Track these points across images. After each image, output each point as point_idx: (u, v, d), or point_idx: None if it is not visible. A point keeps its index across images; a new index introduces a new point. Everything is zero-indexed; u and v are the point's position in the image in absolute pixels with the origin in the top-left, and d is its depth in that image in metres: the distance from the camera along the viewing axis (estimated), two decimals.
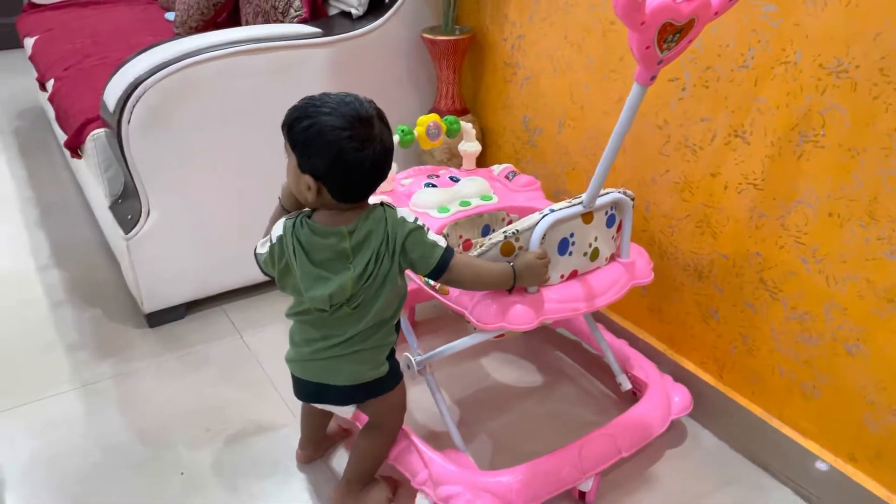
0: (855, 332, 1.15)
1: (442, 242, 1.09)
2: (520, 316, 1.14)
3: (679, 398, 1.41)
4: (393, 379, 1.18)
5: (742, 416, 1.37)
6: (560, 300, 1.18)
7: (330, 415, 1.33)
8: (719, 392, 1.40)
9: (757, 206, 1.25)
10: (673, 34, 0.98)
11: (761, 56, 1.18)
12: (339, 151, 0.99)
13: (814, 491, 1.27)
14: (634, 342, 1.55)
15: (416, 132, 1.47)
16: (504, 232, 1.14)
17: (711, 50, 1.25)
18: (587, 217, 1.20)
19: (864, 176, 1.08)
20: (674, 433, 1.43)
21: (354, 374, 1.13)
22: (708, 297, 1.39)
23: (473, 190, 1.48)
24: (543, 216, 1.15)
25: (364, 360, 1.13)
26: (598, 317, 1.64)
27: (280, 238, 1.08)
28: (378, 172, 1.05)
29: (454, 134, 1.53)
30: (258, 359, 1.65)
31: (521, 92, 1.75)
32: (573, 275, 1.23)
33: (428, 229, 1.09)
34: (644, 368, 1.45)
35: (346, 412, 1.21)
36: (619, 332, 1.59)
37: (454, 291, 1.20)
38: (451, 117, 1.52)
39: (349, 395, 1.16)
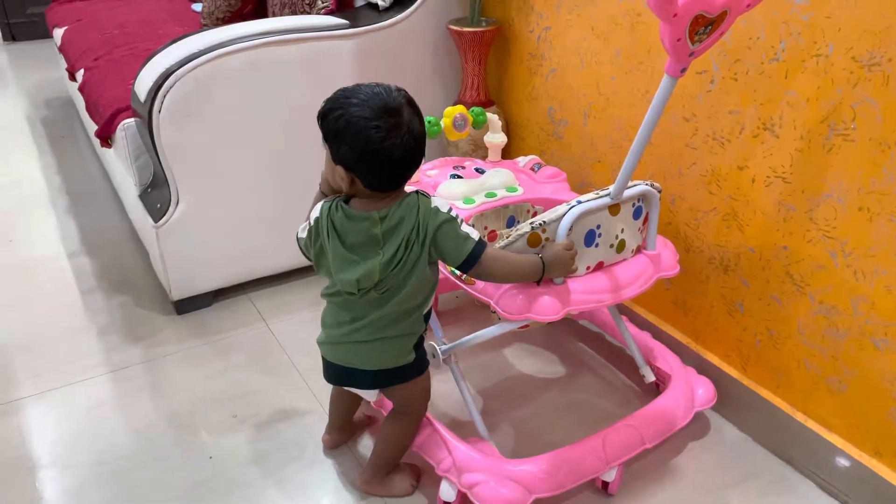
0: (882, 326, 1.15)
1: (475, 235, 1.09)
2: (546, 307, 1.14)
3: (703, 390, 1.41)
4: (419, 367, 1.20)
5: (766, 410, 1.37)
6: (586, 291, 1.19)
7: (358, 402, 1.35)
8: (743, 385, 1.40)
9: (785, 199, 1.25)
10: (705, 26, 0.98)
11: (792, 49, 1.17)
12: (366, 141, 1.01)
13: (838, 485, 1.27)
14: (658, 335, 1.56)
15: (442, 123, 1.48)
16: (531, 223, 1.15)
17: (741, 42, 1.25)
18: (614, 209, 1.21)
19: (895, 170, 1.08)
20: (697, 425, 1.43)
21: (381, 360, 1.15)
22: (733, 291, 1.39)
23: (499, 181, 1.48)
24: (571, 207, 1.15)
25: (391, 347, 1.15)
26: (622, 309, 1.64)
27: (317, 220, 1.11)
28: (409, 161, 1.06)
29: (480, 125, 1.54)
30: (283, 346, 1.67)
31: (546, 84, 1.75)
32: (599, 266, 1.24)
33: (462, 221, 1.09)
34: (667, 360, 1.46)
35: (370, 396, 1.23)
36: (642, 324, 1.60)
37: (480, 282, 1.20)
38: (477, 108, 1.53)
39: (374, 379, 1.18)
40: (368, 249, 1.08)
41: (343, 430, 1.39)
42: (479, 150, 1.86)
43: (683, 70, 1.04)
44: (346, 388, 1.26)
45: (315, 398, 1.50)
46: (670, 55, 1.02)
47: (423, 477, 1.32)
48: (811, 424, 1.30)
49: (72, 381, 1.58)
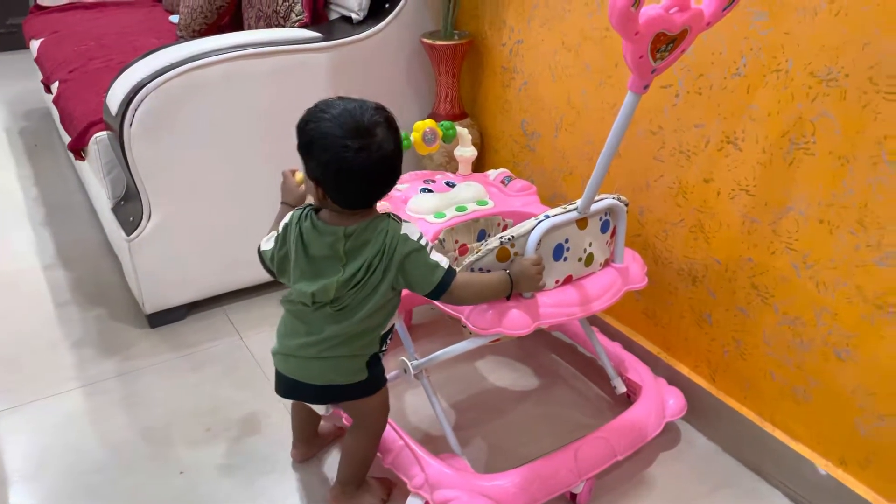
0: (845, 337, 1.17)
1: (444, 263, 1.08)
2: (516, 321, 1.15)
3: (673, 401, 1.42)
4: (372, 385, 1.17)
5: (735, 420, 1.38)
6: (555, 305, 1.20)
7: (318, 414, 1.35)
8: (712, 396, 1.42)
9: (749, 212, 1.26)
10: (666, 44, 0.99)
11: (753, 64, 1.19)
12: (333, 159, 1.01)
13: (805, 495, 1.28)
14: (629, 346, 1.57)
15: (412, 138, 1.49)
16: (500, 238, 1.16)
17: (705, 58, 1.27)
18: (582, 223, 1.22)
19: (853, 183, 1.10)
20: (667, 436, 1.44)
21: (330, 377, 1.14)
22: (701, 302, 1.41)
23: (469, 195, 1.49)
24: (539, 222, 1.16)
25: (342, 365, 1.13)
26: (593, 320, 1.65)
27: (286, 226, 1.11)
28: (377, 181, 1.06)
29: (450, 139, 1.55)
30: (257, 359, 1.67)
31: (519, 96, 1.77)
32: (568, 280, 1.24)
33: (431, 249, 1.08)
34: (638, 371, 1.47)
35: (320, 409, 1.22)
36: (614, 335, 1.61)
37: None
38: (446, 123, 1.54)
39: (323, 394, 1.17)
40: (330, 264, 1.07)
41: (309, 442, 1.39)
42: (454, 162, 1.87)
43: (646, 87, 1.05)
44: (302, 405, 1.27)
45: (287, 411, 1.50)
46: (633, 72, 1.03)
47: (395, 491, 1.32)
48: (778, 434, 1.31)
49: (45, 394, 1.57)
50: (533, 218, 1.18)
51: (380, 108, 1.05)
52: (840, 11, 1.05)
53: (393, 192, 1.50)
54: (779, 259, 1.23)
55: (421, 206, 1.44)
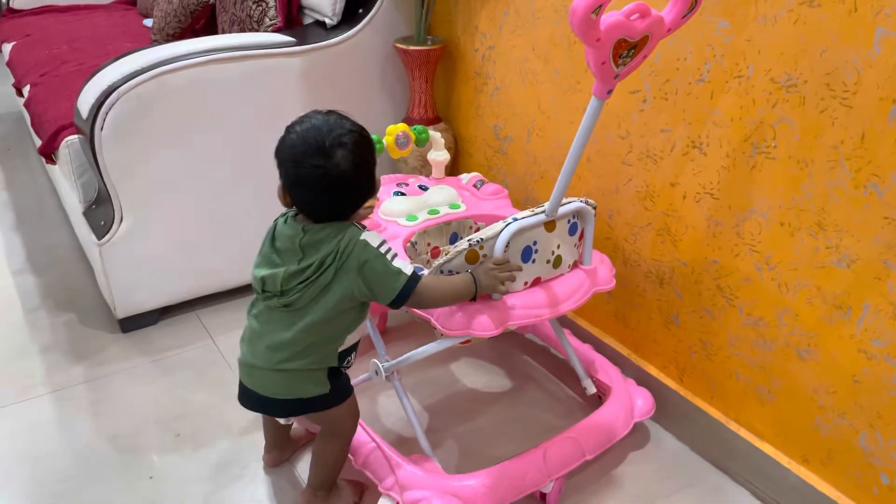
0: (806, 337, 1.19)
1: (407, 269, 1.09)
2: (484, 323, 1.16)
3: (642, 401, 1.44)
4: (337, 397, 1.17)
5: (702, 420, 1.40)
6: (523, 307, 1.21)
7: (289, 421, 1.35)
8: (680, 396, 1.44)
9: (713, 215, 1.29)
10: (628, 50, 1.01)
11: (716, 70, 1.22)
12: (290, 170, 1.06)
13: (770, 493, 1.30)
14: (600, 347, 1.59)
15: (384, 142, 1.50)
16: (469, 240, 1.17)
17: (670, 64, 1.29)
18: (550, 225, 1.23)
19: (812, 187, 1.12)
20: (637, 436, 1.46)
21: (291, 391, 1.13)
22: (669, 304, 1.43)
23: (442, 198, 1.50)
24: (507, 225, 1.18)
25: (301, 379, 1.13)
26: (565, 322, 1.67)
27: (275, 221, 1.15)
28: (334, 197, 1.07)
29: (423, 143, 1.56)
30: (230, 363, 1.67)
31: (491, 101, 1.78)
32: (536, 282, 1.26)
33: (394, 256, 1.09)
34: (608, 372, 1.49)
35: (282, 419, 1.23)
36: (585, 337, 1.62)
37: None
38: (419, 127, 1.55)
39: (287, 408, 1.17)
40: (288, 257, 1.09)
41: (282, 447, 1.39)
42: (428, 167, 1.88)
43: (609, 92, 1.07)
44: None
45: (260, 415, 1.50)
46: (596, 78, 1.05)
47: (366, 493, 1.32)
48: (744, 434, 1.34)
49: (12, 401, 1.55)
50: (501, 220, 1.19)
51: (352, 131, 1.06)
52: (798, 19, 1.08)
53: None
54: (742, 261, 1.26)
55: (393, 209, 1.45)
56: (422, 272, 1.14)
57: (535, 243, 1.22)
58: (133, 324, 1.77)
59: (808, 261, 1.15)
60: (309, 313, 1.09)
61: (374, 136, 1.47)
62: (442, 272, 1.18)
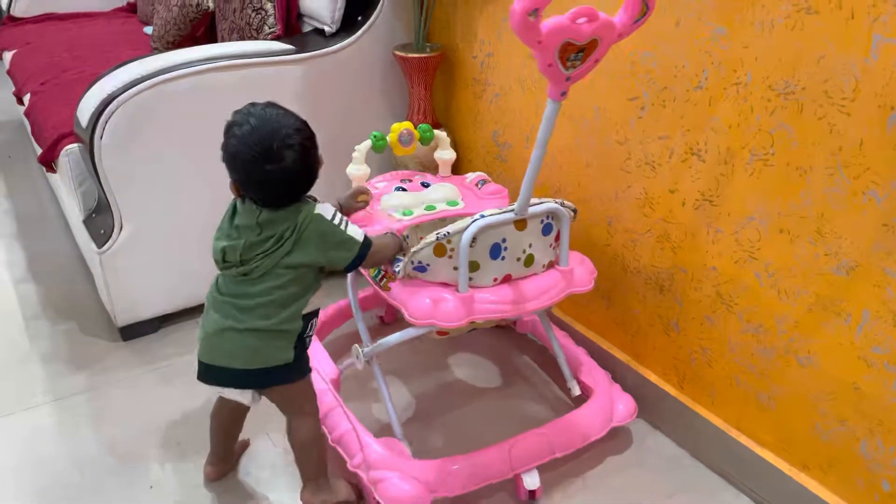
0: (806, 344, 1.19)
1: (359, 236, 1.16)
2: (449, 313, 1.20)
3: (623, 406, 1.45)
4: (298, 370, 1.20)
5: (702, 426, 1.40)
6: (490, 301, 1.24)
7: (239, 427, 1.36)
8: (680, 402, 1.44)
9: (713, 221, 1.29)
10: (576, 53, 1.00)
11: (714, 77, 1.22)
12: (241, 175, 1.12)
13: (771, 500, 1.30)
14: (600, 353, 1.59)
15: (388, 138, 1.51)
16: (437, 234, 1.20)
17: (668, 71, 1.29)
18: (520, 224, 1.24)
19: (811, 194, 1.12)
20: (636, 442, 1.47)
21: (254, 358, 1.15)
22: (669, 310, 1.43)
23: (440, 195, 1.51)
24: (473, 221, 1.20)
25: (269, 342, 1.15)
26: (564, 326, 1.67)
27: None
28: (287, 189, 1.12)
29: (427, 141, 1.57)
30: None
31: (490, 108, 1.79)
32: (507, 279, 1.27)
33: (347, 224, 1.15)
34: (594, 376, 1.50)
35: (245, 398, 1.21)
36: (582, 341, 1.62)
37: (395, 288, 1.26)
38: (424, 125, 1.55)
39: (247, 378, 1.17)
40: (247, 232, 1.13)
41: (226, 459, 1.39)
42: (428, 171, 1.88)
43: (564, 94, 1.07)
44: (226, 415, 1.32)
45: (259, 424, 1.50)
46: (548, 79, 1.05)
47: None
48: (744, 440, 1.33)
49: (13, 410, 1.56)
50: (469, 217, 1.21)
51: (297, 129, 1.10)
52: (796, 26, 1.08)
53: (371, 189, 1.52)
54: (742, 268, 1.26)
55: (391, 203, 1.48)
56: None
57: (503, 241, 1.23)
58: (133, 332, 1.77)
59: (808, 268, 1.15)
60: (266, 280, 1.13)
61: (377, 133, 1.50)
62: (412, 262, 1.23)
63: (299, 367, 1.20)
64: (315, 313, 1.24)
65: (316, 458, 1.27)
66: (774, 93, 1.13)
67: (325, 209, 1.14)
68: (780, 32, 1.10)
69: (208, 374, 1.20)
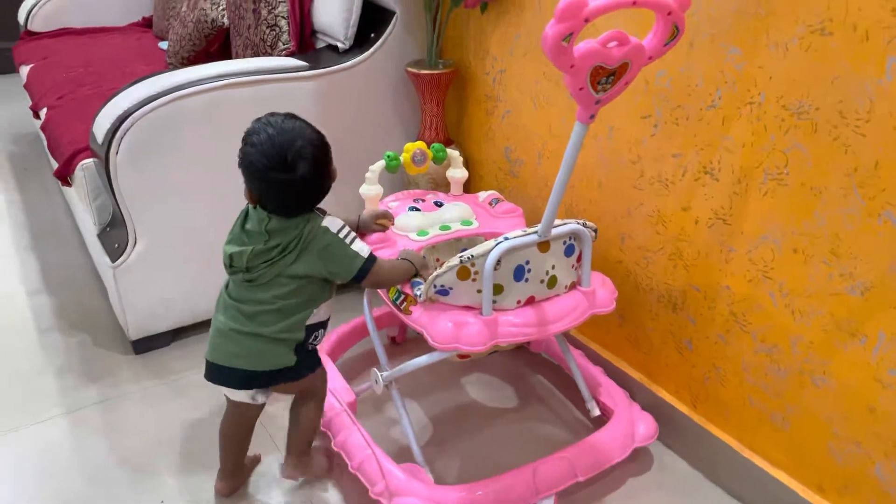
0: (820, 364, 1.18)
1: (365, 252, 1.19)
2: (474, 337, 1.19)
3: (644, 427, 1.43)
4: (304, 367, 1.24)
5: (715, 446, 1.39)
6: (514, 324, 1.23)
7: (248, 440, 1.37)
8: (693, 422, 1.43)
9: (726, 240, 1.28)
10: (606, 77, 1.01)
11: (728, 96, 1.22)
12: (258, 184, 1.15)
13: None
14: (613, 371, 1.58)
15: (401, 158, 1.51)
16: (460, 257, 1.20)
17: (681, 90, 1.29)
18: (543, 246, 1.24)
19: (825, 214, 1.12)
20: (649, 462, 1.46)
21: (257, 361, 1.20)
22: (682, 329, 1.42)
23: (455, 215, 1.52)
24: (497, 244, 1.19)
25: (267, 348, 1.19)
26: (577, 345, 1.67)
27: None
28: (300, 199, 1.16)
29: (440, 161, 1.57)
30: None
31: (502, 124, 1.79)
32: (530, 301, 1.26)
33: (353, 239, 1.19)
34: (613, 396, 1.48)
35: (248, 397, 1.25)
36: (596, 360, 1.62)
37: (416, 312, 1.25)
38: (437, 145, 1.56)
39: (252, 380, 1.22)
40: (255, 238, 1.17)
41: (236, 474, 1.39)
42: (439, 189, 1.89)
43: (592, 117, 1.07)
44: (234, 429, 1.33)
45: (270, 438, 1.50)
46: (577, 102, 1.05)
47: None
48: (758, 461, 1.32)
49: (26, 423, 1.56)
50: (493, 239, 1.21)
51: (311, 140, 1.14)
52: (810, 47, 1.08)
53: (384, 207, 1.53)
54: (756, 287, 1.25)
55: (406, 224, 1.47)
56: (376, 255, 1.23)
57: (527, 263, 1.23)
58: (146, 345, 1.78)
59: (822, 288, 1.15)
60: (271, 288, 1.17)
61: (390, 153, 1.50)
62: (434, 285, 1.22)
63: (307, 365, 1.25)
64: (321, 325, 1.26)
65: (307, 436, 1.33)
66: (788, 113, 1.13)
67: (333, 222, 1.18)
68: (795, 53, 1.10)
69: (214, 373, 1.24)
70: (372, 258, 1.20)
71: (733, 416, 1.36)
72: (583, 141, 1.10)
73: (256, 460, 1.45)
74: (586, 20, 0.91)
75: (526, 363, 1.75)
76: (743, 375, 1.32)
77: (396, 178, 1.96)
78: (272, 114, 1.15)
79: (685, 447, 1.46)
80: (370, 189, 1.50)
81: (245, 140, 1.14)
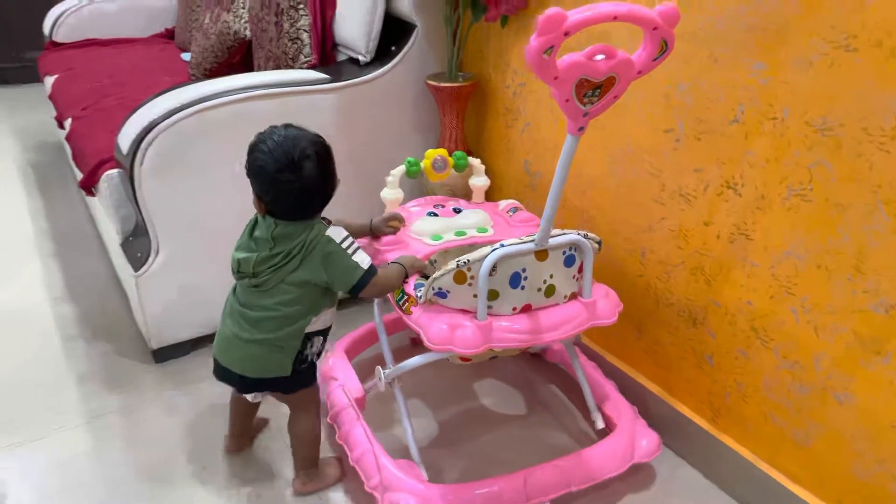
0: (843, 382, 1.17)
1: (365, 264, 1.24)
2: (467, 340, 1.21)
3: (646, 442, 1.43)
4: (296, 383, 1.31)
5: (735, 462, 1.38)
6: (508, 330, 1.24)
7: (255, 407, 1.48)
8: (713, 437, 1.42)
9: (748, 255, 1.28)
10: (592, 90, 1.01)
11: (750, 111, 1.22)
12: (268, 187, 1.20)
13: None
14: (630, 384, 1.58)
15: (422, 164, 1.53)
16: (457, 262, 1.21)
17: (703, 104, 1.29)
18: (541, 255, 1.24)
19: (849, 230, 1.11)
20: (669, 476, 1.45)
21: (258, 368, 1.27)
22: (702, 344, 1.42)
23: (471, 221, 1.53)
24: (493, 250, 1.20)
25: (267, 355, 1.26)
26: (593, 356, 1.66)
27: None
28: (305, 202, 1.22)
29: (461, 168, 1.59)
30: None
31: (521, 137, 1.80)
32: (526, 308, 1.27)
33: (355, 250, 1.23)
34: (618, 409, 1.49)
35: (248, 397, 1.36)
36: (612, 373, 1.61)
37: (416, 312, 1.27)
38: (459, 152, 1.58)
39: (251, 385, 1.31)
40: (262, 245, 1.24)
41: (242, 435, 1.51)
42: (456, 197, 1.90)
43: (581, 129, 1.08)
44: (243, 402, 1.42)
45: (287, 448, 1.51)
46: (566, 114, 1.06)
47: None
48: (779, 477, 1.31)
49: (47, 431, 1.58)
50: (490, 245, 1.22)
51: (314, 142, 1.20)
52: (834, 63, 1.08)
53: (404, 214, 1.55)
54: (778, 303, 1.25)
55: (422, 229, 1.50)
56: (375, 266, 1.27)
57: (524, 270, 1.23)
58: (166, 354, 1.80)
59: (846, 305, 1.14)
60: (275, 295, 1.23)
61: (411, 159, 1.52)
62: (433, 288, 1.24)
63: (299, 381, 1.31)
64: (320, 332, 1.31)
65: (308, 451, 1.39)
66: (812, 129, 1.13)
67: (336, 232, 1.23)
68: (819, 69, 1.10)
69: (219, 372, 1.32)
70: (372, 270, 1.25)
71: (754, 431, 1.35)
72: (574, 153, 1.11)
73: (263, 422, 1.56)
74: (566, 34, 0.91)
75: (541, 373, 1.76)
76: (764, 392, 1.31)
77: (416, 187, 1.97)
78: (273, 126, 1.22)
79: (700, 459, 1.46)
80: (391, 193, 1.53)
81: (252, 149, 1.20)
